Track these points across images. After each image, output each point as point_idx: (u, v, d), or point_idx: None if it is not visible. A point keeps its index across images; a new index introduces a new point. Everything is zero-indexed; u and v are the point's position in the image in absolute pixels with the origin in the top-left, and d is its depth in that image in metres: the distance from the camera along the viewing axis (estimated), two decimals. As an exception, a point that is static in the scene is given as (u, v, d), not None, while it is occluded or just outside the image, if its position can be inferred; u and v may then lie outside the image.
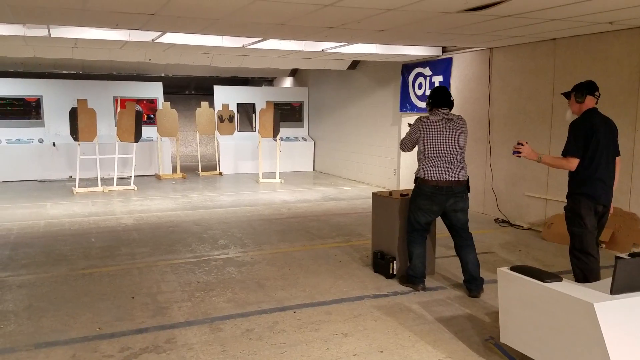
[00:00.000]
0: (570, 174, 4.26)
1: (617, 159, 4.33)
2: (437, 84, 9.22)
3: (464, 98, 8.62)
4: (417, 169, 4.75)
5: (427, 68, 9.49)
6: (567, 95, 4.37)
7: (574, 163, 4.14)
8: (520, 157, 4.26)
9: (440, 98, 4.72)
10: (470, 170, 4.80)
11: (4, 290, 4.83)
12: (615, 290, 2.92)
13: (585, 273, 4.14)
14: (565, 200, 4.34)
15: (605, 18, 5.55)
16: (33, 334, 3.89)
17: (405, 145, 4.89)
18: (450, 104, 4.73)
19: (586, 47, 6.66)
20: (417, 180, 4.74)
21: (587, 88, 4.22)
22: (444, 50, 9.03)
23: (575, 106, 4.27)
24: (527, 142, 4.25)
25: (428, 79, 9.49)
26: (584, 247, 4.18)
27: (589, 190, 4.14)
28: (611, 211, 4.37)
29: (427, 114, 4.84)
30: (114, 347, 3.68)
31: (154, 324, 4.08)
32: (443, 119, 4.63)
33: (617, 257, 3.11)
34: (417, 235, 4.84)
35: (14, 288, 4.88)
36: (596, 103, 4.26)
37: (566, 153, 4.18)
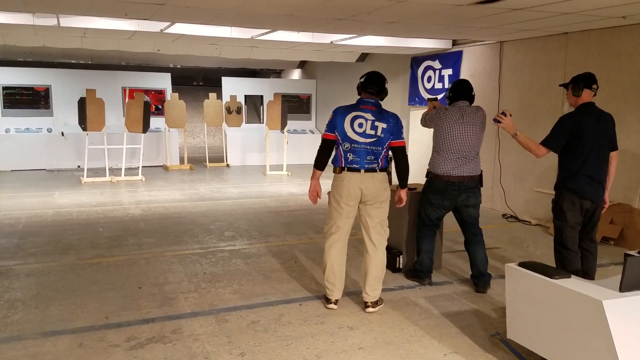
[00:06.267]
0: (558, 167, 4.28)
1: (614, 153, 4.28)
2: (446, 78, 9.16)
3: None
4: (430, 162, 4.70)
5: (437, 61, 9.43)
6: (565, 86, 4.36)
7: (542, 151, 4.20)
8: (499, 126, 4.35)
9: (459, 91, 4.65)
10: (479, 164, 4.77)
11: (12, 278, 4.86)
12: (625, 287, 2.90)
13: (565, 267, 4.14)
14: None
15: (618, 12, 5.48)
16: (40, 323, 3.91)
17: (424, 122, 4.90)
18: (470, 97, 4.66)
19: (598, 41, 6.58)
20: (429, 174, 4.70)
21: (584, 81, 4.18)
22: (454, 43, 8.96)
23: (572, 99, 4.25)
24: (511, 115, 4.31)
25: (437, 72, 9.42)
26: (563, 241, 4.21)
27: (573, 185, 4.15)
28: (605, 206, 4.33)
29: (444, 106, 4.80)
30: (121, 336, 3.70)
31: (161, 314, 4.09)
32: (459, 112, 4.56)
33: (626, 255, 3.09)
34: (427, 231, 4.81)
35: (22, 276, 4.91)
36: (594, 95, 4.22)
37: (544, 141, 4.21)
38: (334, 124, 4.06)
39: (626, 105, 6.24)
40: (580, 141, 4.08)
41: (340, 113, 4.08)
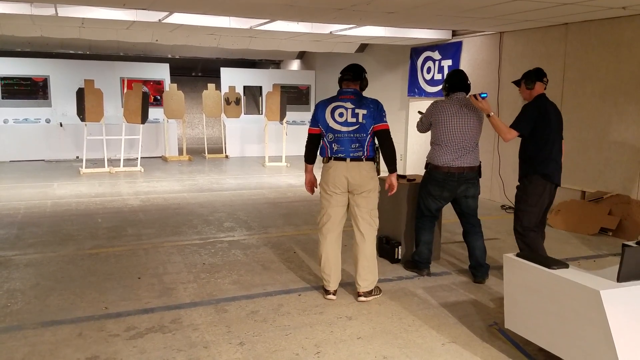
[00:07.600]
0: (526, 155, 4.45)
1: (562, 142, 4.56)
2: (446, 68, 9.13)
3: (473, 83, 8.39)
4: (429, 154, 4.69)
5: (437, 52, 9.40)
6: (517, 83, 4.56)
7: (512, 135, 4.37)
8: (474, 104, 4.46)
9: (455, 82, 4.64)
10: (478, 156, 4.78)
11: (12, 268, 4.87)
12: (622, 277, 2.91)
13: (531, 247, 4.37)
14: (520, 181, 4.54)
15: (619, 3, 5.46)
16: (40, 313, 3.92)
17: (420, 128, 4.91)
18: (466, 88, 4.66)
19: (598, 32, 6.56)
20: (428, 166, 4.70)
21: (535, 75, 4.43)
22: (454, 33, 8.93)
23: (526, 93, 4.48)
24: (485, 98, 4.41)
25: (437, 63, 9.40)
26: (531, 225, 4.44)
27: (545, 170, 4.36)
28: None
29: (441, 98, 4.79)
30: (120, 326, 3.71)
31: (160, 304, 4.11)
32: (457, 104, 4.55)
33: (624, 245, 3.10)
34: (426, 222, 4.81)
35: (21, 267, 4.92)
36: (545, 89, 4.45)
37: (513, 125, 4.38)
38: (317, 117, 4.15)
39: (625, 97, 6.23)
40: (548, 126, 4.30)
41: (321, 106, 4.16)
